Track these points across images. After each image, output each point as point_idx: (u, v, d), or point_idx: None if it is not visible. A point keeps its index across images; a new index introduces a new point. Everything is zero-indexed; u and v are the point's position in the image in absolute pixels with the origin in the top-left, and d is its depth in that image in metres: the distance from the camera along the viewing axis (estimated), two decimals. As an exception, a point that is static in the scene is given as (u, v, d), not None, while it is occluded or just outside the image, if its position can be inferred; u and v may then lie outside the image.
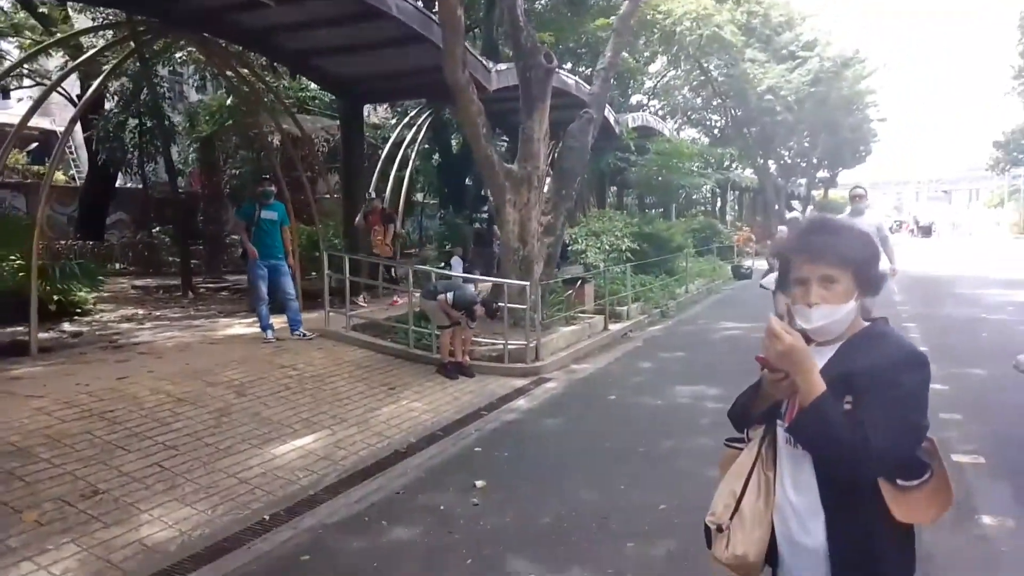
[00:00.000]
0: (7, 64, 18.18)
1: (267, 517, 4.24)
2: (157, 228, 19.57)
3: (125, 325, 9.47)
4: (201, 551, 3.79)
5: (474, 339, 7.91)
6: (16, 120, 16.81)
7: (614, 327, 10.13)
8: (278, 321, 8.23)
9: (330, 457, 5.20)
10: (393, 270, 11.61)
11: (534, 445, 5.71)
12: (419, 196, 23.29)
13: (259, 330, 8.18)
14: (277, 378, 6.60)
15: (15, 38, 18.81)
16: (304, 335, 8.08)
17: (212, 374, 6.43)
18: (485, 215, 11.38)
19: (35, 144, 23.05)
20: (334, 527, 4.18)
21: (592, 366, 8.37)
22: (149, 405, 5.49)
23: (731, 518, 1.89)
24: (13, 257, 9.38)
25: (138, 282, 14.03)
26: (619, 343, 9.76)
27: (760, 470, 1.88)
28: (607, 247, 12.31)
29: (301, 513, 4.34)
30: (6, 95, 25.04)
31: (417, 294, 8.09)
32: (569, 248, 12.61)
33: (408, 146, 15.42)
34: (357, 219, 10.96)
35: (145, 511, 4.07)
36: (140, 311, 11.10)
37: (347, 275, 8.49)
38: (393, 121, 20.02)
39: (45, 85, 18.39)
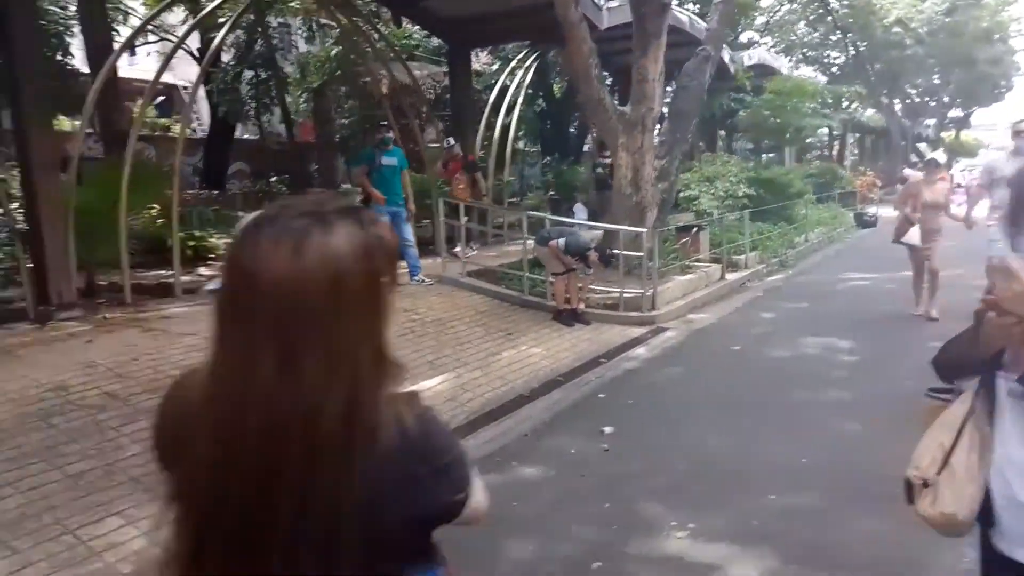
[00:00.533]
0: (133, 21, 19.20)
1: (404, 453, 4.39)
2: (274, 177, 20.41)
3: (253, 269, 10.01)
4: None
5: (589, 287, 7.83)
6: (141, 75, 17.74)
7: (731, 276, 9.78)
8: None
9: (457, 399, 5.32)
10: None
11: (658, 394, 5.62)
12: (520, 144, 23.11)
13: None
14: (401, 322, 6.78)
15: (139, -6, 19.74)
16: (422, 281, 8.24)
17: (340, 316, 6.68)
18: (608, 160, 11.02)
19: (162, 98, 24.32)
20: (468, 466, 4.29)
21: (711, 316, 8.13)
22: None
23: (938, 473, 1.74)
24: (152, 206, 10.03)
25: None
26: (737, 293, 9.42)
27: (974, 424, 1.72)
28: (721, 193, 11.82)
29: (435, 451, 4.47)
30: (132, 52, 26.54)
31: (530, 241, 8.05)
32: (680, 195, 12.19)
33: (512, 92, 15.23)
34: (436, 165, 10.85)
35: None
36: (264, 256, 11.70)
37: (462, 221, 8.56)
38: (495, 67, 19.82)
39: (166, 39, 19.31)
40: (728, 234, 10.43)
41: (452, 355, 6.16)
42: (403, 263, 8.42)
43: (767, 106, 18.12)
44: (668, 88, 11.60)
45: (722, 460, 4.22)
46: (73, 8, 13.16)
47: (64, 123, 15.46)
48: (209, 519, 0.88)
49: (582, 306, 7.61)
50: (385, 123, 8.38)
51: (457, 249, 9.46)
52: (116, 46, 10.12)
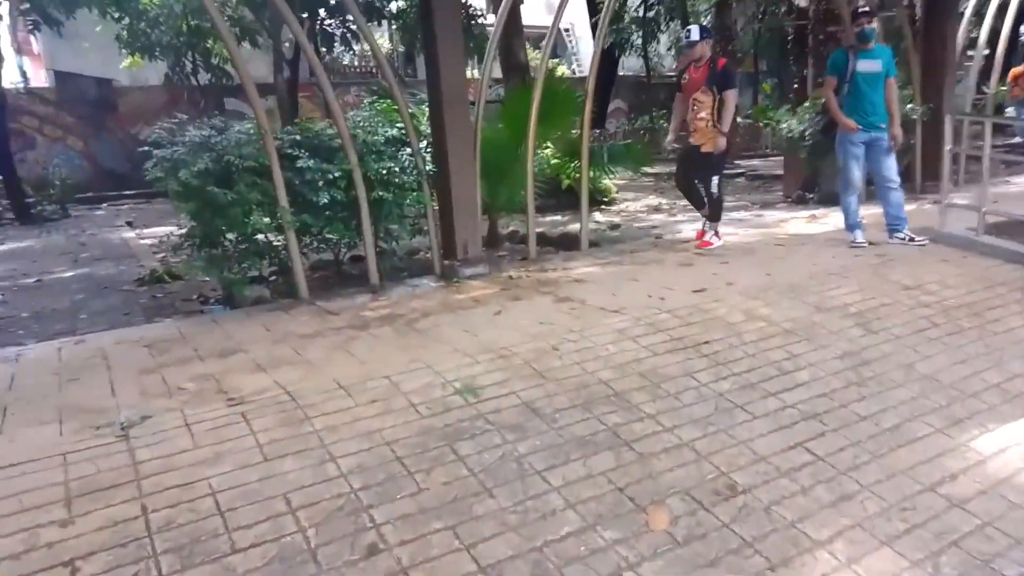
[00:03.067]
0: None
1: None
2: (655, 112, 18.99)
3: (656, 216, 8.48)
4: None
5: None
6: (527, 20, 17.56)
7: None
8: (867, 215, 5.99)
9: (1086, 471, 2.90)
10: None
11: None
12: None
13: (836, 228, 6.12)
14: (908, 305, 4.44)
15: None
16: (911, 239, 5.68)
17: (810, 292, 4.61)
18: None
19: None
20: None
21: None
22: (750, 337, 3.91)
23: None
24: (547, 145, 9.03)
25: (648, 169, 13.22)
26: None
27: None
28: None
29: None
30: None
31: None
32: None
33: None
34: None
35: (822, 544, 2.42)
36: (663, 201, 10.13)
37: (987, 147, 5.68)
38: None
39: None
40: None
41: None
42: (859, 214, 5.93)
43: None
44: None
45: None
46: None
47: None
48: None
49: None
50: (865, 10, 5.78)
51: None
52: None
